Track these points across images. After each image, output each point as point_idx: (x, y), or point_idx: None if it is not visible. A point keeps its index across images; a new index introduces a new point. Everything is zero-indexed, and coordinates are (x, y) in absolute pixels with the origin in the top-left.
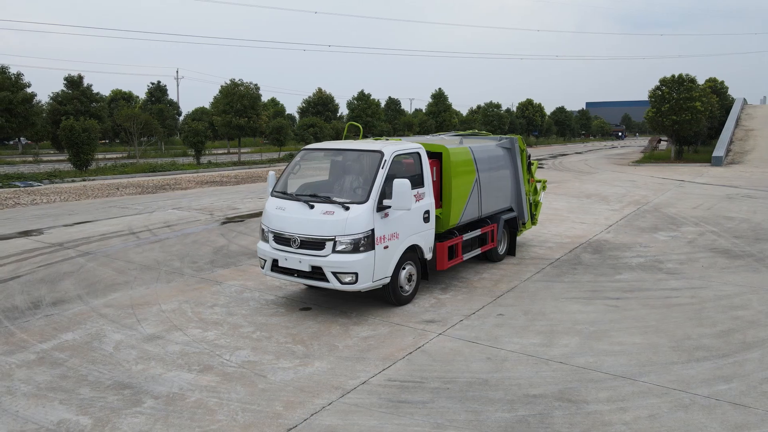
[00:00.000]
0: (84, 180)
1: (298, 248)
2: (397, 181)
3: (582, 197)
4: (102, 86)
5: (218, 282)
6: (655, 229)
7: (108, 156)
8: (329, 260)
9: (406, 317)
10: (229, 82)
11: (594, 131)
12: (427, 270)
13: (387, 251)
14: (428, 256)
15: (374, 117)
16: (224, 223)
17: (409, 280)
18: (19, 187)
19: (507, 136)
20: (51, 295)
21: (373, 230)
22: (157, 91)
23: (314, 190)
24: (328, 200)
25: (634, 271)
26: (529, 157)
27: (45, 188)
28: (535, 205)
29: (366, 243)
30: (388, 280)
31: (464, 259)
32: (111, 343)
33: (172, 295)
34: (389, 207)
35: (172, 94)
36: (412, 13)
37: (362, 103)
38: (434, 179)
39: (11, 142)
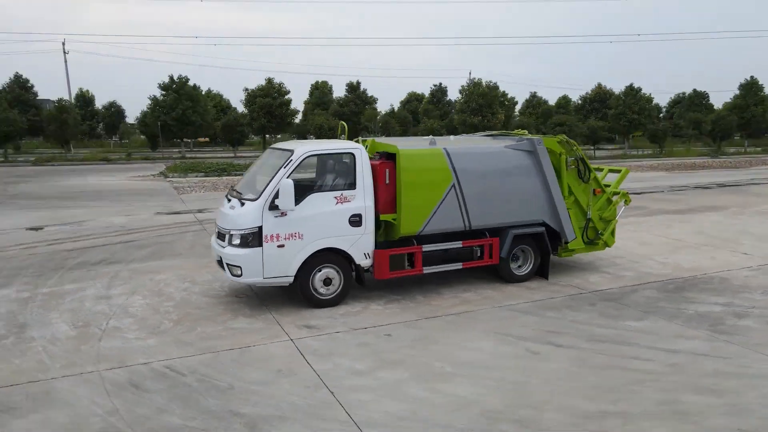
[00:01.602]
0: None
1: (216, 239)
2: (283, 182)
3: None
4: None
5: None
6: None
7: None
8: (224, 252)
9: (291, 318)
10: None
11: None
12: (362, 277)
13: (282, 250)
14: (364, 262)
15: (641, 114)
16: None
17: (327, 283)
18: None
19: (531, 136)
20: (118, 255)
21: (260, 227)
22: (438, 92)
23: (240, 186)
24: (239, 196)
25: (676, 320)
26: (581, 160)
27: None
28: (605, 222)
29: (253, 239)
30: (290, 279)
31: (424, 272)
32: (77, 294)
33: (180, 268)
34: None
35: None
36: None
37: (629, 99)
38: (387, 182)
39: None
